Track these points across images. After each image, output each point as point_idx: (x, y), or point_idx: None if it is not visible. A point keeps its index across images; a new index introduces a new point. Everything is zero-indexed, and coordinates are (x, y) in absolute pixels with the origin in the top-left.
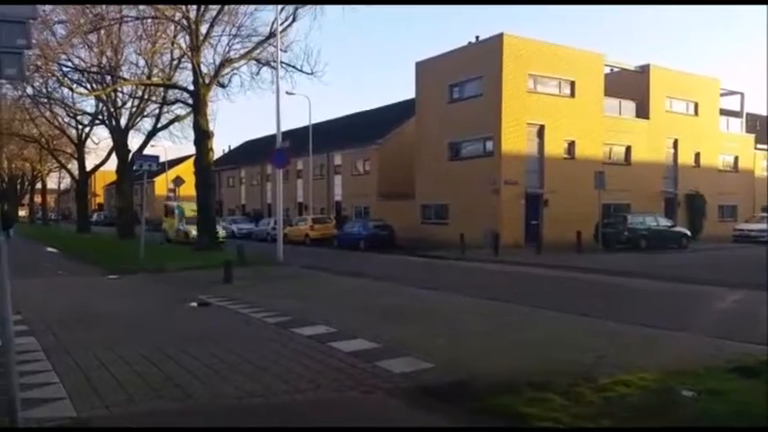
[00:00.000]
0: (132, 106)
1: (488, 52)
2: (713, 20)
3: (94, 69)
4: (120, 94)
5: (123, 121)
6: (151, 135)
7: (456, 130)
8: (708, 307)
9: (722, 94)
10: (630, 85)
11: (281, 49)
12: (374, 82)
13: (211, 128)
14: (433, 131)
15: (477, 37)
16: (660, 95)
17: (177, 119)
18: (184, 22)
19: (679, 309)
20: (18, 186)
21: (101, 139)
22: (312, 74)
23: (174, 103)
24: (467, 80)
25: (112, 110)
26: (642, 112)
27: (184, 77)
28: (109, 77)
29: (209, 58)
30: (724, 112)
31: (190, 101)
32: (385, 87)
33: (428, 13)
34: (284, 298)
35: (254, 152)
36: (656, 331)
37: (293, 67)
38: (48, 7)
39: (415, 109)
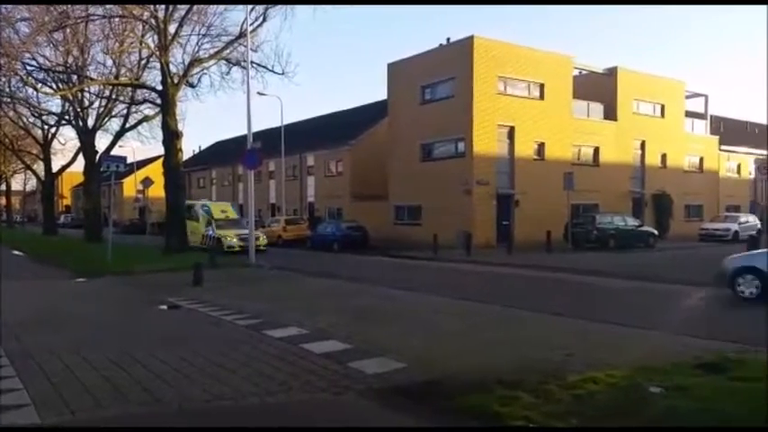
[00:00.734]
0: (100, 106)
1: (459, 54)
2: (678, 22)
3: (60, 68)
4: (86, 94)
5: (90, 122)
6: (119, 135)
7: (428, 132)
8: (675, 305)
9: (687, 97)
10: (598, 88)
11: (251, 49)
12: (346, 83)
13: (180, 128)
14: (406, 132)
15: (448, 39)
16: (627, 98)
17: (146, 119)
18: (153, 21)
19: (647, 307)
20: None
21: (67, 139)
22: (283, 74)
23: (142, 103)
24: (438, 81)
25: (79, 110)
26: (610, 113)
27: (153, 77)
28: (75, 77)
29: (178, 57)
30: (689, 114)
31: (158, 101)
32: (357, 88)
33: (400, 15)
34: (256, 300)
35: (224, 153)
36: (624, 329)
37: (264, 67)
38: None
39: (387, 110)
